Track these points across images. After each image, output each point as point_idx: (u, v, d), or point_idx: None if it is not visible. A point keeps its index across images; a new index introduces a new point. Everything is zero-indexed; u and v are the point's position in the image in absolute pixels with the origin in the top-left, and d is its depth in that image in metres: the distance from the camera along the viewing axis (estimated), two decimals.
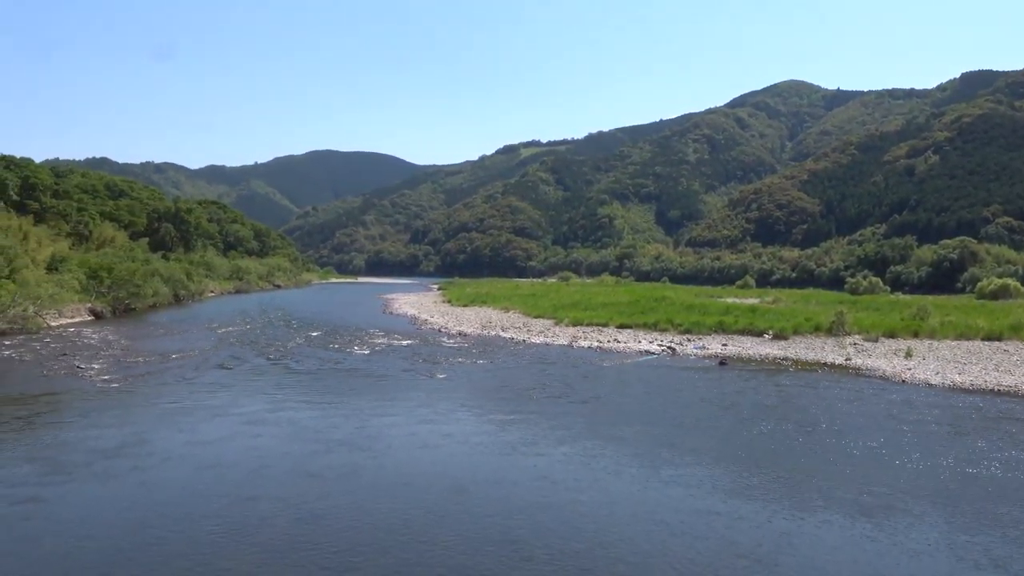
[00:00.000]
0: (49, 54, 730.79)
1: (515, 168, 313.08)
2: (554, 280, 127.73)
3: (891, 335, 34.03)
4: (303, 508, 11.88)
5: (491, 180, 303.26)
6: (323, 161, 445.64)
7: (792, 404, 20.80)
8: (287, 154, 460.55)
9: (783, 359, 29.33)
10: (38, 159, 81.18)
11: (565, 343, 34.58)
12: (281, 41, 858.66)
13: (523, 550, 10.43)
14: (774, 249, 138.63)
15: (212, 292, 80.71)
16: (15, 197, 58.99)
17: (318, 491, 12.86)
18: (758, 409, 20.05)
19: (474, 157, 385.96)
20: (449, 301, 67.95)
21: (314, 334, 39.03)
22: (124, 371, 24.95)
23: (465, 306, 60.68)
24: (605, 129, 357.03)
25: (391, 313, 57.12)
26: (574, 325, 41.20)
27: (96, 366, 25.70)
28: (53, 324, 40.41)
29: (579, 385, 23.69)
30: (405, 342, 35.25)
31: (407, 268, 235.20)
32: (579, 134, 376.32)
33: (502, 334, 38.68)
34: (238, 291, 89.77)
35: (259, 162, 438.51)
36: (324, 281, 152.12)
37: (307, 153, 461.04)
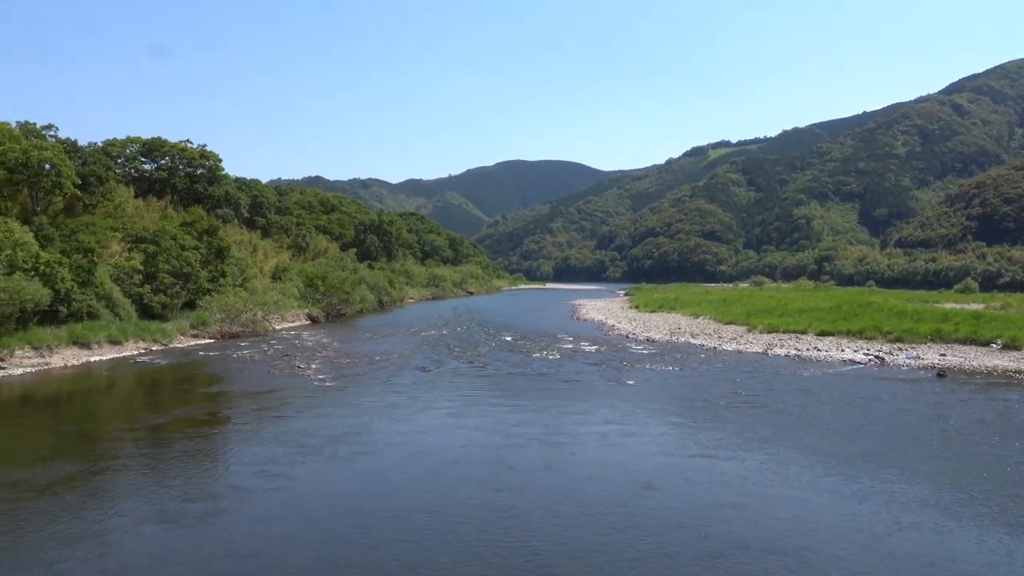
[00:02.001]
0: (276, 87, 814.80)
1: (703, 170, 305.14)
2: (746, 285, 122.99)
3: None
4: (501, 497, 12.55)
5: (678, 183, 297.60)
6: (512, 171, 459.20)
7: (1021, 422, 18.70)
8: (478, 166, 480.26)
9: (1015, 372, 26.33)
10: (264, 180, 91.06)
11: (759, 351, 33.30)
12: (470, 60, 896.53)
13: (714, 547, 10.42)
14: (1002, 249, 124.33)
15: (411, 298, 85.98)
16: (246, 214, 66.52)
17: (515, 481, 13.59)
18: (979, 425, 18.23)
19: (660, 161, 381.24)
20: (636, 307, 67.60)
21: (506, 338, 40.48)
22: (337, 371, 27.39)
23: (653, 312, 60.10)
24: (801, 125, 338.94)
25: (578, 319, 57.79)
26: (769, 332, 39.51)
27: (313, 366, 28.43)
28: (277, 327, 45.10)
29: (774, 394, 22.77)
30: (593, 347, 35.62)
31: (593, 274, 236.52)
32: (772, 131, 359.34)
33: (692, 340, 37.95)
34: (435, 297, 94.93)
35: (452, 174, 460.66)
36: (513, 288, 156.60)
37: (497, 164, 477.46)
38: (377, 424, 18.48)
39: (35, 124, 45.62)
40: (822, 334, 37.11)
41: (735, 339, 37.52)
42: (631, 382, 24.98)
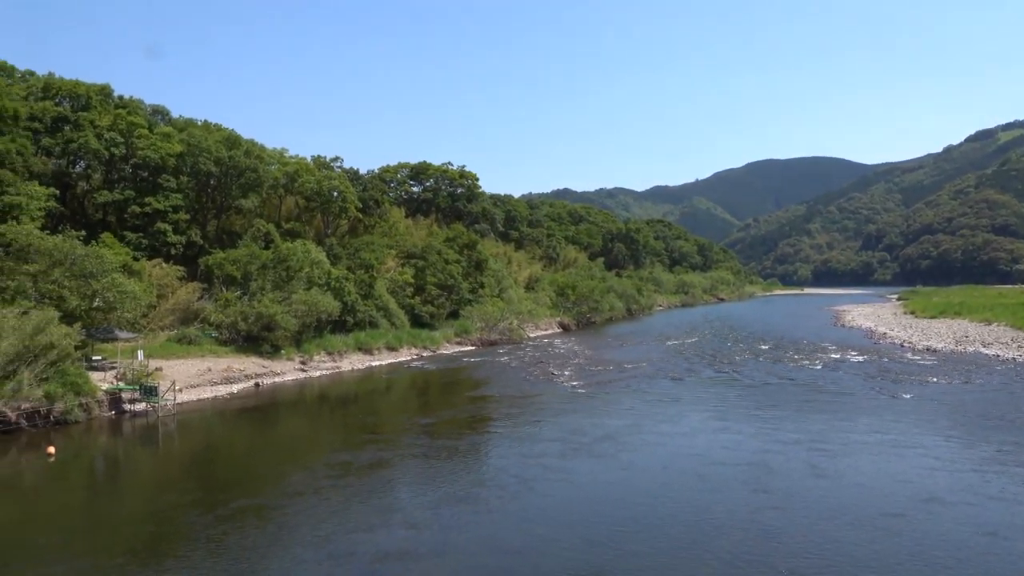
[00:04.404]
0: (524, 102, 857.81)
1: (992, 156, 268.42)
2: None
3: None
4: (763, 499, 12.29)
5: (960, 173, 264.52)
6: (762, 171, 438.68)
7: None
8: (726, 168, 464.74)
9: None
10: (516, 195, 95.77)
11: None
12: (714, 63, 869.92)
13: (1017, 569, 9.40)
14: None
15: (660, 306, 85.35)
16: (501, 228, 70.52)
17: (779, 486, 13.46)
18: None
19: (936, 149, 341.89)
20: (912, 312, 61.38)
21: (761, 347, 38.73)
22: (589, 377, 28.07)
23: (932, 318, 54.10)
24: None
25: (843, 326, 53.68)
26: None
27: (567, 372, 29.40)
28: (531, 335, 47.21)
29: None
30: (860, 357, 32.93)
31: (859, 277, 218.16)
32: None
33: (983, 350, 33.60)
34: (684, 304, 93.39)
35: (699, 179, 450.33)
36: (767, 293, 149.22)
37: (746, 165, 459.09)
38: (640, 425, 19.12)
39: (325, 157, 52.42)
40: None
41: None
42: (907, 395, 22.78)
